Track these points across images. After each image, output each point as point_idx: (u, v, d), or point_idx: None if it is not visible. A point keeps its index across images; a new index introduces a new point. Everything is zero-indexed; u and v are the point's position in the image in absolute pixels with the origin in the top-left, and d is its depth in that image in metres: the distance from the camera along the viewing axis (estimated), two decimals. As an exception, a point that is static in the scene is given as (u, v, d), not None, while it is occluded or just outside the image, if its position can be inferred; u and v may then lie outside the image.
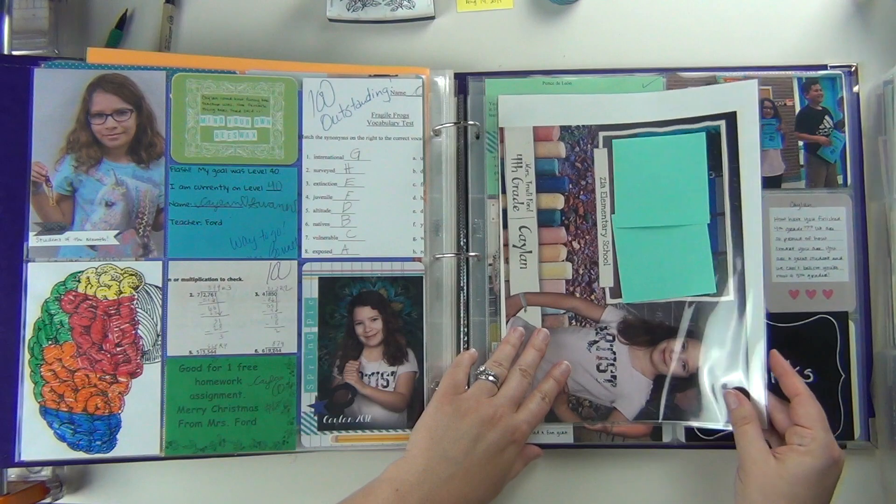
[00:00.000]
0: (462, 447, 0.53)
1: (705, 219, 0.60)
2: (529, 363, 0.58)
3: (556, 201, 0.62)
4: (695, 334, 0.59)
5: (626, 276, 0.60)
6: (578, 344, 0.60)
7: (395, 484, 0.52)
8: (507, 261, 0.61)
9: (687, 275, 0.59)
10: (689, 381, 0.59)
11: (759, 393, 0.56)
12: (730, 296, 0.59)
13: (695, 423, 0.59)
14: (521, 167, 0.62)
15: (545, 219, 0.62)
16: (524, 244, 0.61)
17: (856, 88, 0.63)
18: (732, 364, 0.58)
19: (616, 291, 0.60)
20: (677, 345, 0.59)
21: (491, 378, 0.57)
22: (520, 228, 0.62)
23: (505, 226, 0.62)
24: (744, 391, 0.57)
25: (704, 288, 0.59)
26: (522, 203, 0.62)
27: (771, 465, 0.52)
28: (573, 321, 0.61)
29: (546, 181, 0.62)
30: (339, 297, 0.61)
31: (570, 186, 0.62)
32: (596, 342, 0.60)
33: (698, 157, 0.60)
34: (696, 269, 0.59)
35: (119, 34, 0.66)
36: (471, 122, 0.63)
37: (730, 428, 0.57)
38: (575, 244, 0.62)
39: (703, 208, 0.60)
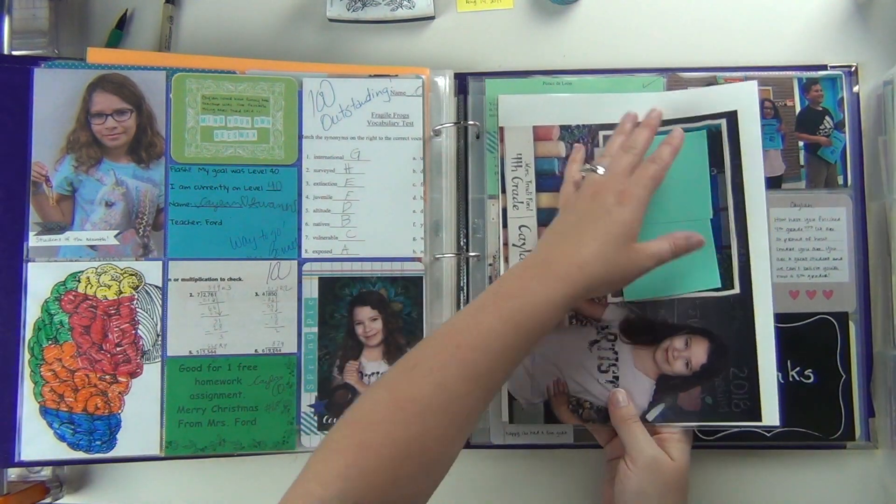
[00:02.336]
0: (565, 221, 0.55)
1: (708, 214, 0.60)
2: (637, 142, 0.56)
3: (556, 200, 0.62)
4: (699, 331, 0.59)
5: None
6: (579, 344, 0.60)
7: (516, 266, 0.52)
8: (507, 260, 0.61)
9: (690, 271, 0.59)
10: (691, 379, 0.59)
11: (772, 386, 0.57)
12: (735, 290, 0.59)
13: (696, 425, 0.59)
14: (520, 167, 0.62)
15: (545, 218, 0.62)
16: (524, 244, 0.61)
17: (856, 88, 0.63)
18: (740, 359, 0.58)
19: (617, 290, 0.60)
20: (680, 342, 0.59)
21: (600, 170, 0.55)
22: (520, 228, 0.62)
23: (505, 225, 0.62)
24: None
25: (709, 283, 0.59)
26: (522, 202, 0.62)
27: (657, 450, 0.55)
28: (574, 320, 0.61)
29: (546, 180, 0.62)
30: (339, 297, 0.61)
31: (570, 186, 0.62)
32: (597, 342, 0.60)
33: (699, 153, 0.60)
34: (700, 264, 0.59)
35: (119, 34, 0.66)
36: (471, 122, 0.63)
37: (733, 427, 0.57)
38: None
39: (705, 204, 0.60)
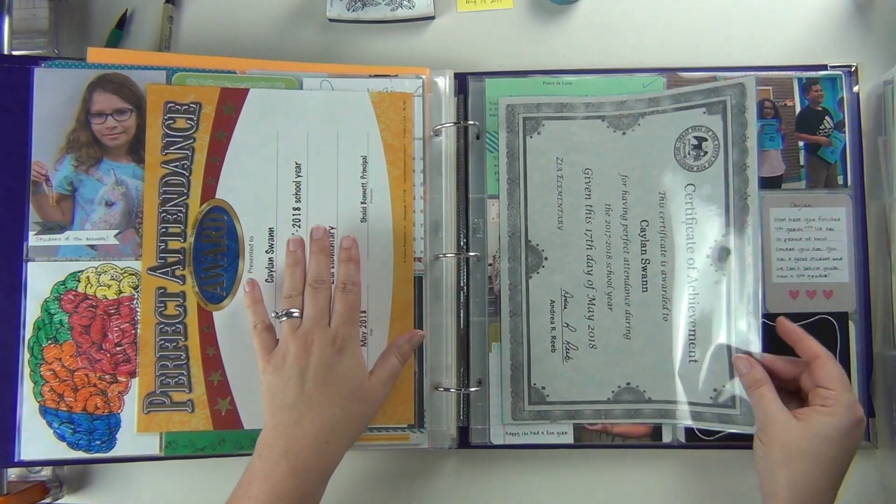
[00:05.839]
0: (293, 389, 0.52)
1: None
2: (316, 273, 0.56)
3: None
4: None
5: None
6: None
7: (258, 451, 0.52)
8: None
9: None
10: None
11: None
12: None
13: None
14: None
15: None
16: None
17: (856, 88, 0.63)
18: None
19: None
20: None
21: (294, 314, 0.55)
22: None
23: (505, 226, 0.62)
24: (752, 356, 0.57)
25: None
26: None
27: (793, 424, 0.52)
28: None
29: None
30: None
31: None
32: None
33: None
34: None
35: (119, 34, 0.67)
36: (471, 122, 0.63)
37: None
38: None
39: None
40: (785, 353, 0.57)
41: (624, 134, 0.62)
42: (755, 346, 0.57)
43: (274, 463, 0.51)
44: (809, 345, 0.55)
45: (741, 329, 0.58)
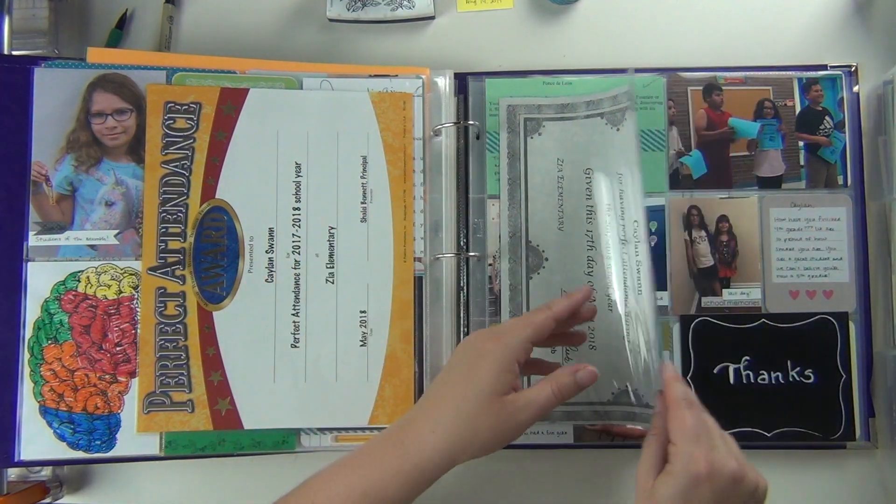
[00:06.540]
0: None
1: None
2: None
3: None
4: None
5: None
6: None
7: None
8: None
9: None
10: None
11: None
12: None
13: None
14: None
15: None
16: None
17: (856, 88, 0.63)
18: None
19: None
20: None
21: None
22: None
23: (505, 226, 0.62)
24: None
25: None
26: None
27: (639, 490, 0.46)
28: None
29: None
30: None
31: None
32: None
33: None
34: None
35: (119, 34, 0.66)
36: (471, 122, 0.63)
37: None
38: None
39: None
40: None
41: (618, 130, 0.61)
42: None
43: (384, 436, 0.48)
44: (669, 392, 0.49)
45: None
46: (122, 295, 0.59)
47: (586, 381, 0.49)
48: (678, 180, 0.63)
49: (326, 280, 0.60)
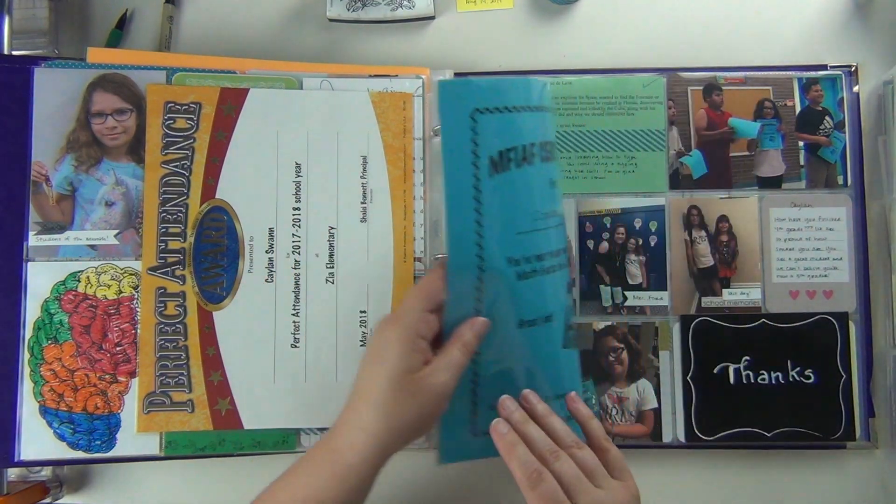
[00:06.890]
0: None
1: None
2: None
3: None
4: None
5: None
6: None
7: None
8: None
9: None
10: None
11: None
12: None
13: None
14: None
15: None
16: None
17: (856, 88, 0.63)
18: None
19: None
20: None
21: None
22: None
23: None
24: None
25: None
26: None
27: None
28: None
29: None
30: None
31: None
32: None
33: None
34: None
35: (119, 34, 0.66)
36: (471, 122, 0.63)
37: None
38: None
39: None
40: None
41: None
42: None
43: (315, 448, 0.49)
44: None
45: None
46: (122, 295, 0.59)
47: (482, 329, 0.50)
48: (678, 180, 0.63)
49: (326, 280, 0.60)
